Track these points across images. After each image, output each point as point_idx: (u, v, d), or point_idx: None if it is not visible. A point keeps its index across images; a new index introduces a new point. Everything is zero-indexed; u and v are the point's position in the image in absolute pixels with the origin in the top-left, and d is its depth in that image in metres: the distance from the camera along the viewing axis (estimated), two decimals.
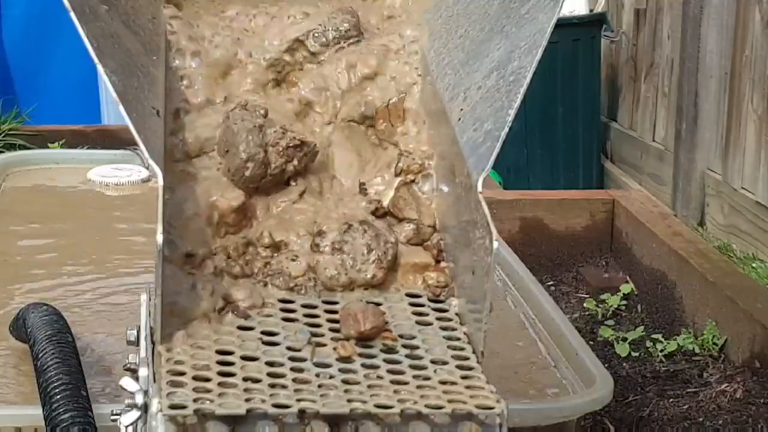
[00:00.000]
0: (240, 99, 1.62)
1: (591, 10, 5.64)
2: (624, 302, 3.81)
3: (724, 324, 3.31)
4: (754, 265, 4.01)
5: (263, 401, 1.27)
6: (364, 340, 1.39)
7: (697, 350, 3.31)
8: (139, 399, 1.33)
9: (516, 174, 5.34)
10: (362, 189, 1.59)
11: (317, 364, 1.35)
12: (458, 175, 1.46)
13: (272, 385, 1.30)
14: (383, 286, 1.50)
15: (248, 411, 1.25)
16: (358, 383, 1.32)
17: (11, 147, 4.63)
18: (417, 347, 1.40)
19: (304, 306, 1.46)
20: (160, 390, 1.27)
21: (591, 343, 3.37)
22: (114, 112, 5.41)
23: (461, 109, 1.51)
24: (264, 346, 1.37)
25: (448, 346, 1.41)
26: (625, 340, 3.48)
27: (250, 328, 1.41)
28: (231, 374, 1.31)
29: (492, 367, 1.38)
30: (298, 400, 1.27)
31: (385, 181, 1.59)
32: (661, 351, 3.37)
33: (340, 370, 1.34)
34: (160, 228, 1.30)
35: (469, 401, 1.30)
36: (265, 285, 1.49)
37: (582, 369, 2.00)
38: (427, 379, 1.34)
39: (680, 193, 4.71)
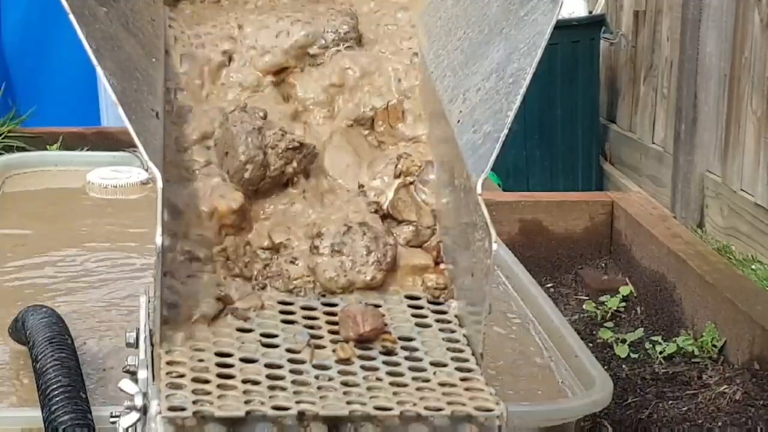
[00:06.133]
0: (239, 101, 1.62)
1: (590, 12, 5.63)
2: (623, 304, 3.81)
3: (723, 326, 3.31)
4: (753, 266, 4.00)
5: (262, 403, 1.27)
6: (363, 342, 1.39)
7: (696, 352, 3.31)
8: (139, 401, 1.33)
9: (515, 176, 5.34)
10: (361, 191, 1.59)
11: (316, 366, 1.35)
12: (457, 176, 1.46)
13: (271, 387, 1.30)
14: (382, 288, 1.50)
15: (247, 413, 1.25)
16: (357, 385, 1.32)
17: (10, 149, 4.62)
18: (416, 349, 1.40)
19: (304, 308, 1.46)
20: (159, 392, 1.27)
21: (590, 344, 3.37)
22: (113, 114, 5.40)
23: (460, 111, 1.51)
24: (263, 348, 1.37)
25: (448, 348, 1.41)
26: (624, 341, 3.48)
27: (250, 330, 1.41)
28: (230, 376, 1.31)
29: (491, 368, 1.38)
30: (298, 402, 1.27)
31: (385, 183, 1.59)
32: (661, 353, 3.36)
33: (340, 372, 1.34)
34: (159, 230, 1.30)
35: (469, 403, 1.30)
36: (265, 287, 1.49)
37: (581, 371, 2.00)
38: (427, 381, 1.34)
39: (679, 195, 4.71)
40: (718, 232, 4.46)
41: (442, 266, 1.53)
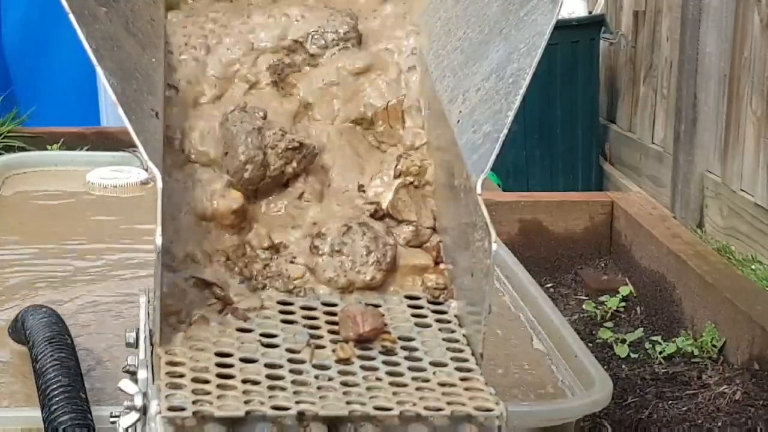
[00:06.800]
0: (239, 101, 1.62)
1: (590, 12, 5.63)
2: (623, 304, 3.81)
3: (723, 326, 3.31)
4: (753, 267, 4.00)
5: (262, 403, 1.27)
6: (363, 342, 1.39)
7: (696, 352, 3.31)
8: (138, 401, 1.33)
9: (515, 176, 5.34)
10: (361, 191, 1.59)
11: (316, 366, 1.35)
12: (457, 176, 1.46)
13: (271, 387, 1.30)
14: (382, 288, 1.50)
15: (247, 413, 1.25)
16: (357, 385, 1.32)
17: (10, 149, 4.62)
18: (416, 349, 1.40)
19: (303, 308, 1.46)
20: (159, 392, 1.27)
21: (590, 344, 3.37)
22: (113, 114, 5.40)
23: (460, 111, 1.51)
24: (263, 348, 1.37)
25: (447, 348, 1.41)
26: (624, 341, 3.48)
27: (249, 330, 1.41)
28: (230, 376, 1.31)
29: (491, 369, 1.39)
30: (297, 402, 1.27)
31: (384, 183, 1.59)
32: (660, 353, 3.36)
33: (339, 372, 1.34)
34: (159, 230, 1.30)
35: (469, 403, 1.30)
36: (264, 287, 1.49)
37: (581, 371, 2.00)
38: (426, 381, 1.34)
39: (679, 195, 4.71)
40: (717, 232, 4.46)
41: (441, 266, 1.53)
